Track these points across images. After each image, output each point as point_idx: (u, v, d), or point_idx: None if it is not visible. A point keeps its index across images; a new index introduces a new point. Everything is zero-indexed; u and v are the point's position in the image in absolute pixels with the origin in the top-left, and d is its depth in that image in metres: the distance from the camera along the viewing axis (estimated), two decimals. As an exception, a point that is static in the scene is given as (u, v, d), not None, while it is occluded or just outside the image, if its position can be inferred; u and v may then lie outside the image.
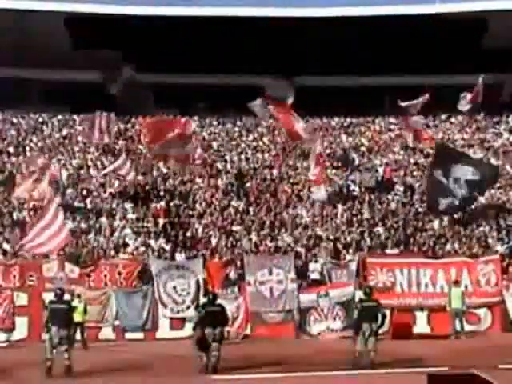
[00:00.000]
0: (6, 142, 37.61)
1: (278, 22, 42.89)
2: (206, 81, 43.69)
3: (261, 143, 39.62)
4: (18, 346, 23.97)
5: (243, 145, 39.51)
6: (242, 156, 37.63)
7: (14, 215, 30.08)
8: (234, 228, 29.95)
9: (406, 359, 19.07)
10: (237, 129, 42.12)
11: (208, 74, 42.97)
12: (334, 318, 25.23)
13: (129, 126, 40.77)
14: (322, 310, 25.32)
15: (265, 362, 19.01)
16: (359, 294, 22.29)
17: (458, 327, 24.38)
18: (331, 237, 28.99)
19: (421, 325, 25.44)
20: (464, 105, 38.39)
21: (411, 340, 23.49)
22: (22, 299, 25.04)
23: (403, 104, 36.94)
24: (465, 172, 29.69)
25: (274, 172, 35.32)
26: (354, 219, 30.68)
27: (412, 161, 36.99)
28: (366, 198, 32.66)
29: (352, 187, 33.77)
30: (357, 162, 36.62)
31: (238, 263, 26.53)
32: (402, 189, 33.66)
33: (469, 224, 30.30)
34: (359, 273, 25.93)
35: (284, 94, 35.83)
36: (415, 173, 35.36)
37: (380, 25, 42.57)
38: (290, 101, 34.38)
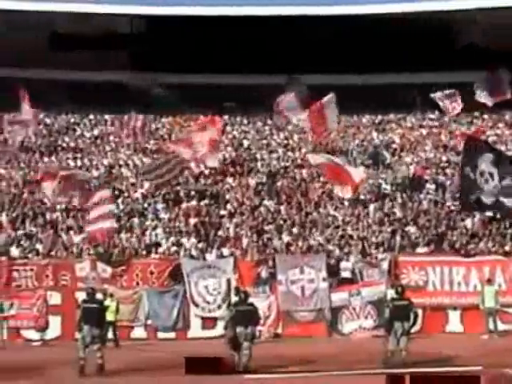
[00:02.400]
0: (38, 143, 37.83)
1: (307, 20, 42.80)
2: (236, 80, 43.68)
3: (291, 142, 39.53)
4: (51, 344, 24.21)
5: (274, 143, 39.44)
6: (273, 155, 37.56)
7: (47, 215, 30.27)
8: (266, 227, 29.91)
9: (439, 358, 18.96)
10: (267, 127, 42.05)
11: (238, 73, 42.96)
12: (366, 317, 25.17)
13: (159, 125, 40.87)
14: (354, 309, 25.27)
15: (296, 362, 18.98)
16: (391, 293, 22.18)
17: (492, 326, 24.19)
18: (362, 236, 28.88)
19: (454, 324, 25.30)
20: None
21: (444, 339, 23.37)
22: (55, 298, 25.27)
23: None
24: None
25: (305, 171, 35.19)
26: (386, 218, 30.51)
27: (444, 158, 36.71)
28: (398, 197, 32.46)
29: (383, 185, 33.62)
30: (388, 159, 36.50)
31: (270, 262, 26.52)
32: (433, 187, 33.38)
33: (502, 222, 29.99)
34: (391, 271, 25.82)
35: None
36: (447, 170, 35.06)
37: (412, 22, 42.36)
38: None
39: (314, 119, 34.37)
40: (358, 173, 30.54)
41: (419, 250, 27.93)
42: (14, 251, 27.74)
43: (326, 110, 34.14)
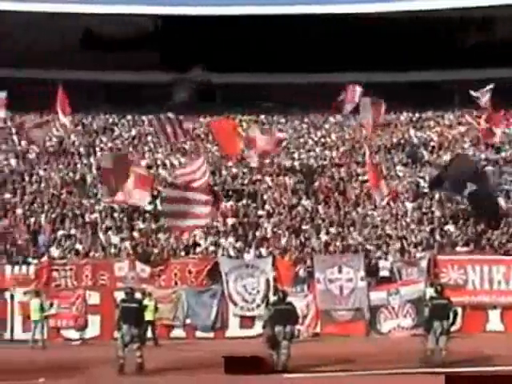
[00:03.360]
0: (76, 143, 38.09)
1: (350, 18, 42.63)
2: (272, 79, 43.67)
3: (329, 140, 39.41)
4: (90, 343, 24.43)
5: (311, 142, 39.34)
6: (311, 153, 37.47)
7: (86, 216, 30.46)
8: (303, 227, 29.86)
9: (479, 358, 18.79)
10: (304, 125, 41.95)
11: (274, 72, 42.93)
12: (405, 316, 25.05)
13: (197, 125, 40.96)
14: (393, 308, 25.16)
15: (335, 361, 18.93)
16: (430, 292, 22.05)
17: (533, 325, 23.96)
18: (401, 235, 28.74)
19: (494, 323, 25.08)
20: None
21: (484, 338, 23.16)
22: (94, 298, 25.48)
23: None
24: None
25: (343, 170, 35.08)
26: (424, 217, 30.30)
27: (483, 156, 36.35)
28: (436, 196, 32.21)
29: (421, 184, 33.39)
30: (426, 157, 36.27)
31: (308, 261, 26.51)
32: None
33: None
34: (430, 270, 25.66)
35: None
36: (486, 168, 34.66)
37: (451, 19, 42.05)
38: None
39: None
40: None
41: (458, 249, 27.74)
42: (54, 252, 28.01)
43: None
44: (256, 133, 33.72)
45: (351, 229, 29.60)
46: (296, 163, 36.05)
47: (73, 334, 25.40)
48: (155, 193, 32.38)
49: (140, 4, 43.48)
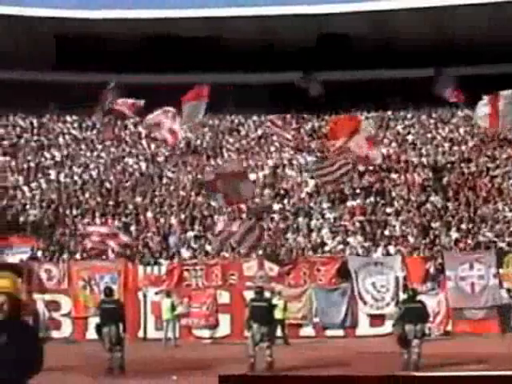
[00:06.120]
0: (203, 145, 38.63)
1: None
2: (397, 74, 43.14)
3: (457, 134, 38.64)
4: (221, 342, 24.72)
5: (439, 137, 38.67)
6: (439, 149, 36.84)
7: (215, 218, 30.84)
8: (433, 224, 29.41)
9: None
10: (432, 121, 41.25)
11: (399, 67, 42.41)
12: (541, 314, 24.34)
13: (323, 123, 40.89)
14: (528, 306, 24.50)
15: (468, 360, 18.53)
16: None
17: None
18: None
19: None
20: None
21: None
22: (224, 297, 25.83)
23: None
24: None
25: (473, 165, 34.34)
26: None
27: None
28: None
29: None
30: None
31: (438, 258, 26.10)
32: None
33: None
34: None
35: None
36: None
37: None
38: None
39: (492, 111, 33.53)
40: None
41: None
42: (184, 252, 28.53)
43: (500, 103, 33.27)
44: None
45: (482, 225, 28.97)
46: (424, 159, 35.55)
47: (204, 333, 25.84)
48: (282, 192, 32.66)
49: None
